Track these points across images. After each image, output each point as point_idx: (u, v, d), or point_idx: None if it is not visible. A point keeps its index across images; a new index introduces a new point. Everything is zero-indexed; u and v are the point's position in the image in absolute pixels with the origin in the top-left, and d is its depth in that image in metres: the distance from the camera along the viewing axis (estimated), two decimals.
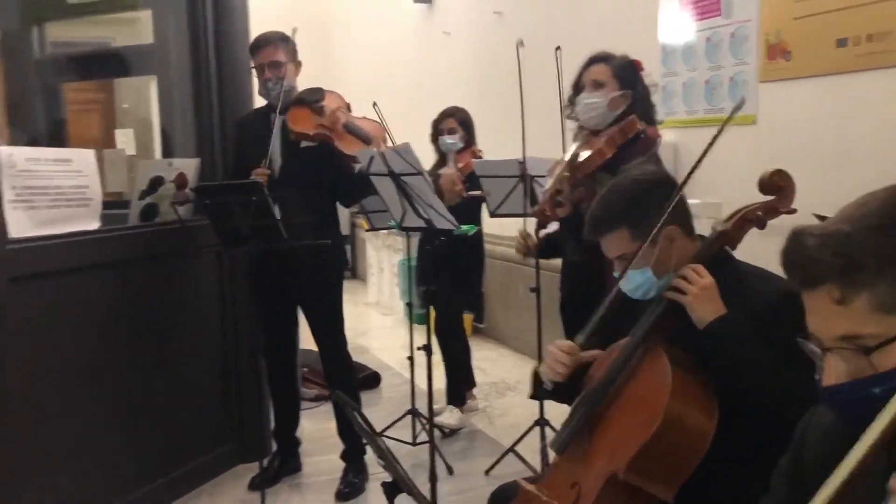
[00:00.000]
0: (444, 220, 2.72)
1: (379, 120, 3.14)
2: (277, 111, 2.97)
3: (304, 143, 3.01)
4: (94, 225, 2.78)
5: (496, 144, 3.94)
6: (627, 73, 2.69)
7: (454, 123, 3.85)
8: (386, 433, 3.64)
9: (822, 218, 1.11)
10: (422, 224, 2.73)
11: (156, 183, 3.18)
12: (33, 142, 4.14)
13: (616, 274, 1.69)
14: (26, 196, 2.53)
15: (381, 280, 7.08)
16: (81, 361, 2.70)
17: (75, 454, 2.66)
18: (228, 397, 3.36)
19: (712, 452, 1.46)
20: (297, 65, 3.10)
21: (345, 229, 8.37)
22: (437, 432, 3.58)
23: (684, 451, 1.46)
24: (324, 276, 3.11)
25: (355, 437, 3.17)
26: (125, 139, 5.96)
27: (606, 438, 1.59)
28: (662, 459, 1.46)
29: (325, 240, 2.89)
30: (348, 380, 3.21)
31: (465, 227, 3.04)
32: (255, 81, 3.17)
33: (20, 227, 2.49)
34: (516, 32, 5.14)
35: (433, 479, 2.72)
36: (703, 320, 1.52)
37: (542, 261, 3.19)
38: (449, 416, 3.84)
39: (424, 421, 3.57)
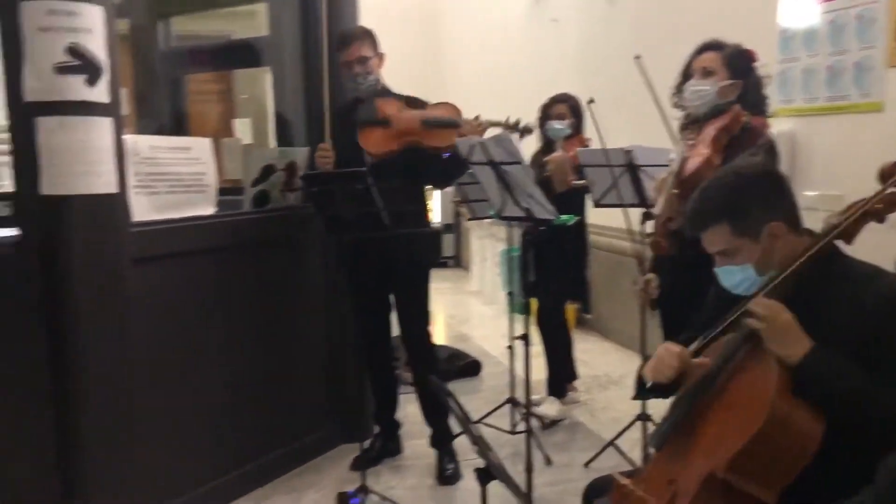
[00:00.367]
0: (544, 210, 2.69)
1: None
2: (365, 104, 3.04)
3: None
4: (210, 210, 2.92)
5: (604, 135, 3.86)
6: (739, 62, 2.59)
7: (564, 109, 3.79)
8: (484, 421, 3.66)
9: None
10: (521, 214, 2.72)
11: (268, 171, 3.30)
12: (158, 131, 4.37)
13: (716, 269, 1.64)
14: (148, 182, 2.68)
15: (484, 269, 7.10)
16: (194, 339, 2.84)
17: (186, 427, 2.81)
18: (331, 379, 3.46)
19: (822, 454, 1.39)
20: (381, 57, 3.14)
21: (448, 218, 8.46)
22: (536, 422, 3.57)
23: (788, 453, 1.40)
24: (417, 264, 3.15)
25: (444, 423, 3.21)
26: (243, 128, 6.22)
27: (706, 436, 1.54)
28: (764, 460, 1.40)
29: (416, 227, 2.94)
30: (431, 365, 3.24)
31: (564, 217, 3.00)
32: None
33: (142, 210, 2.64)
34: (627, 19, 5.07)
35: (529, 468, 2.71)
36: (789, 357, 1.45)
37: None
38: (549, 407, 3.82)
39: (522, 410, 3.57)
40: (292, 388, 3.29)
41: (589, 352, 4.98)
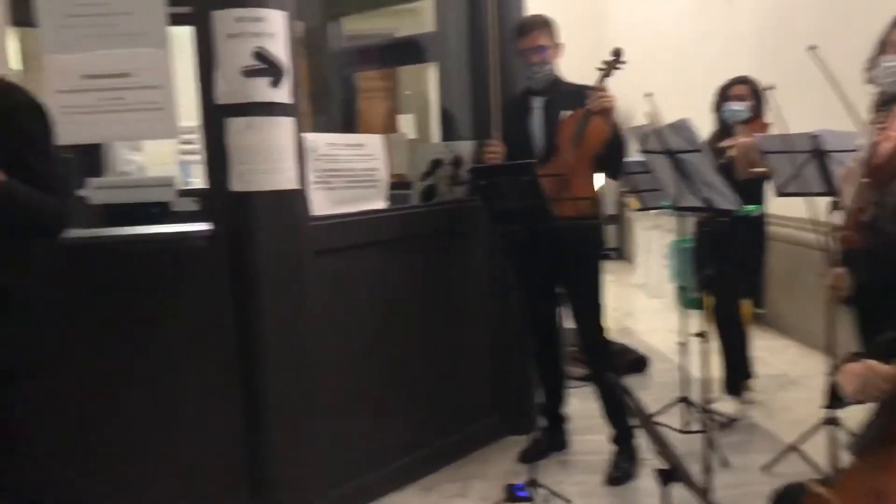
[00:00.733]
0: (725, 200, 2.55)
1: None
2: (538, 95, 2.99)
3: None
4: (381, 204, 3.01)
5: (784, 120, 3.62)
6: None
7: (744, 90, 3.58)
8: (654, 419, 3.54)
9: None
10: (700, 204, 2.59)
11: (435, 165, 3.36)
12: (330, 129, 4.56)
13: None
14: (325, 178, 2.79)
15: (649, 261, 6.88)
16: (365, 328, 2.94)
17: (356, 415, 2.91)
18: (496, 371, 3.47)
19: None
20: (558, 47, 3.07)
21: (612, 208, 8.27)
22: (711, 422, 3.42)
23: None
24: (586, 255, 3.08)
25: (624, 421, 3.12)
26: (406, 124, 6.38)
27: None
28: None
29: (586, 219, 2.87)
30: (607, 359, 3.16)
31: (748, 208, 2.83)
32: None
33: (321, 205, 2.76)
34: None
35: (707, 470, 2.59)
36: None
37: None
38: (724, 407, 3.64)
39: (697, 409, 3.42)
40: (457, 378, 3.33)
41: (766, 349, 4.70)
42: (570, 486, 3.01)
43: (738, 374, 3.77)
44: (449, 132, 3.89)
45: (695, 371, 3.31)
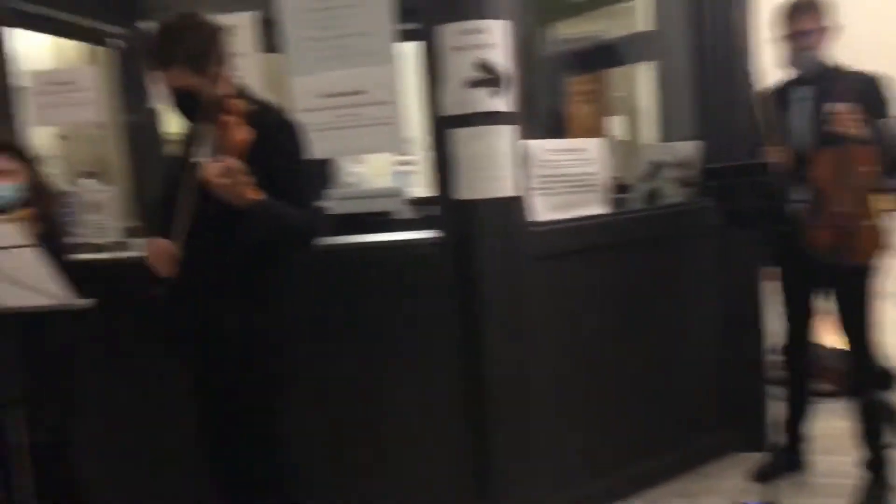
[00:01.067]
0: None
1: None
2: (803, 84, 2.79)
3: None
4: (601, 209, 2.96)
5: None
6: None
7: None
8: None
9: None
10: None
11: (656, 167, 3.25)
12: (543, 134, 4.56)
13: None
14: (546, 183, 2.80)
15: None
16: (584, 334, 2.90)
17: (577, 421, 2.88)
18: (725, 383, 3.29)
19: None
20: (824, 31, 2.79)
21: None
22: None
23: None
24: (854, 265, 2.77)
25: (881, 444, 2.82)
26: (616, 126, 6.25)
27: None
28: None
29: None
30: (871, 378, 2.86)
31: None
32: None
33: (541, 211, 2.77)
34: None
35: None
36: None
37: None
38: None
39: None
40: (682, 389, 3.19)
41: None
42: None
43: None
44: (669, 132, 3.75)
45: None
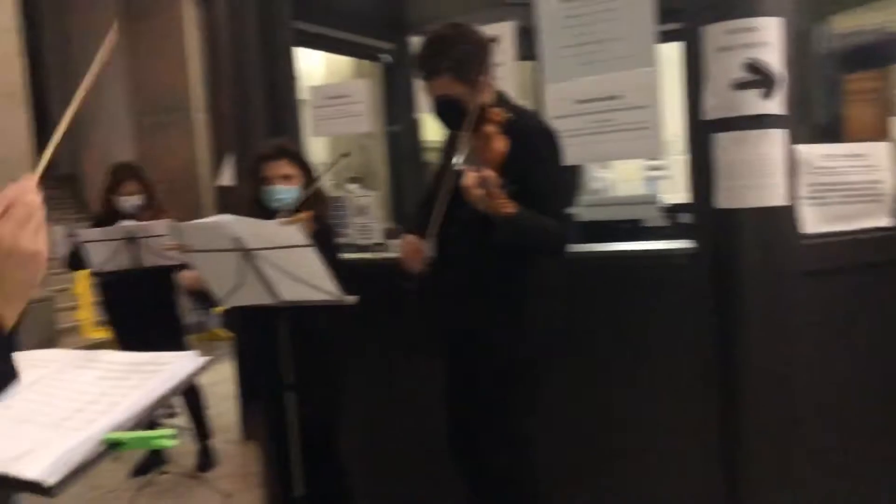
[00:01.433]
0: None
1: None
2: None
3: None
4: (887, 221, 2.64)
5: None
6: None
7: None
8: None
9: None
10: None
11: None
12: (814, 138, 4.19)
13: None
14: (819, 192, 2.55)
15: None
16: (860, 359, 2.60)
17: (845, 454, 2.59)
18: None
19: None
20: None
21: None
22: None
23: None
24: None
25: None
26: None
27: None
28: None
29: None
30: None
31: None
32: None
33: (813, 222, 2.53)
34: None
35: None
36: None
37: None
38: None
39: None
40: None
41: None
42: None
43: None
44: None
45: None
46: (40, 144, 7.60)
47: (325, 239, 2.52)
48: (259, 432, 3.35)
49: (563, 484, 2.54)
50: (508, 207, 1.90)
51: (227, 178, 3.96)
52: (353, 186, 3.84)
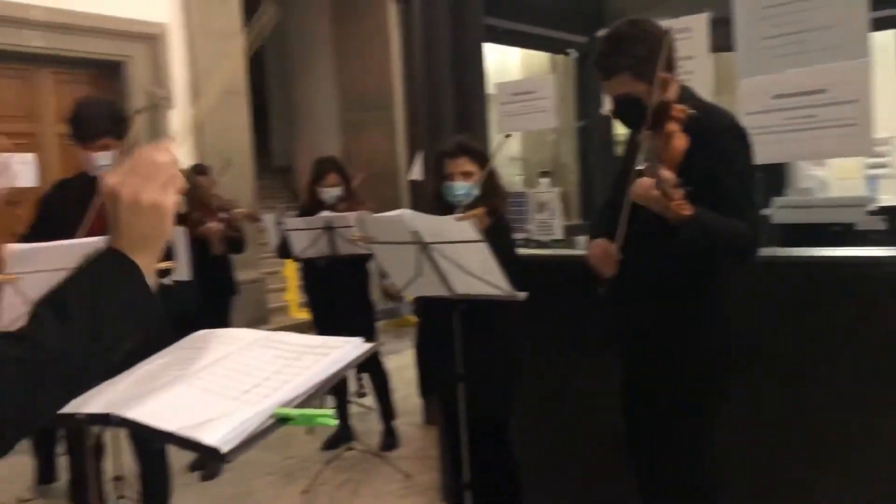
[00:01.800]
0: None
1: None
2: None
3: None
4: None
5: None
6: None
7: None
8: None
9: None
10: None
11: None
12: None
13: None
14: None
15: None
16: None
17: None
18: None
19: None
20: None
21: None
22: None
23: None
24: None
25: None
26: None
27: None
28: None
29: None
30: None
31: None
32: None
33: None
34: None
35: None
36: None
37: None
38: None
39: None
40: None
41: None
42: None
43: None
44: None
45: None
46: (258, 139, 8.28)
47: (499, 234, 2.54)
48: (437, 418, 3.46)
49: (737, 493, 2.40)
50: (685, 209, 1.80)
51: (417, 172, 4.11)
52: (544, 181, 3.84)
